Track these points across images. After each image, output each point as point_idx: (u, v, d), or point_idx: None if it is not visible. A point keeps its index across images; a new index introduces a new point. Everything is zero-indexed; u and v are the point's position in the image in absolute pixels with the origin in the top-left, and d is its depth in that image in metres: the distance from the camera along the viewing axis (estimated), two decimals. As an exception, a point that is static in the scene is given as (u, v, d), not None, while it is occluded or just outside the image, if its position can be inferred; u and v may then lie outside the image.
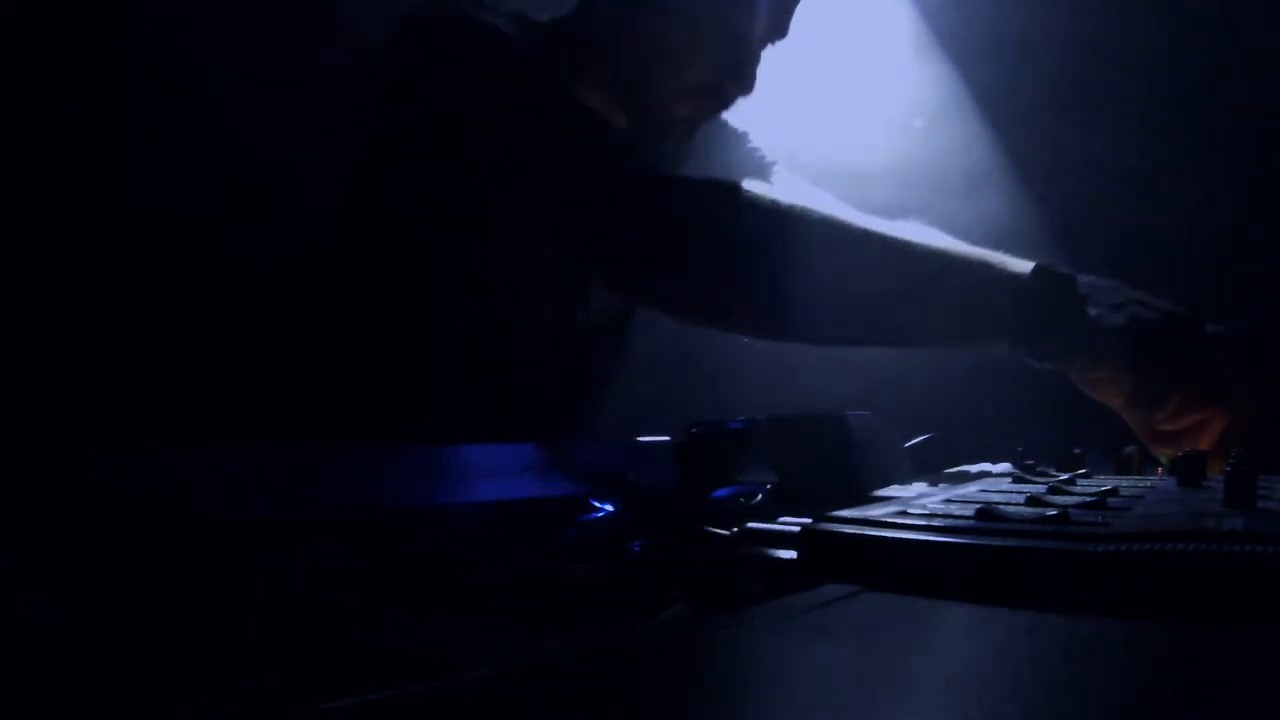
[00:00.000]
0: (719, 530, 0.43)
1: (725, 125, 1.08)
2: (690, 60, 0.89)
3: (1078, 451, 0.62)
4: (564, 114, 0.83)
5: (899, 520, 0.37)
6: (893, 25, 1.44)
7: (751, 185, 0.77)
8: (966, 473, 0.68)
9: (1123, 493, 0.44)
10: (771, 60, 0.94)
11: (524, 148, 0.81)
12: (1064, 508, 0.37)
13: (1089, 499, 0.40)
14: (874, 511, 0.40)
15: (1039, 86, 1.35)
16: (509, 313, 0.96)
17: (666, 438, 0.67)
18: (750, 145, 1.08)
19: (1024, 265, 0.69)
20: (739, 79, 0.91)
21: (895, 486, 0.59)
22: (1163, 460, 0.66)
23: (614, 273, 0.83)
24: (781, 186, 1.00)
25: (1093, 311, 0.66)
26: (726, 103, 0.93)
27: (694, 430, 0.67)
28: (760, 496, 0.58)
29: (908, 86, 1.43)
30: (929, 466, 0.73)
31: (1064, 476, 0.52)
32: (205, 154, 0.96)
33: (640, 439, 0.69)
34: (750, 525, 0.43)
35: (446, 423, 0.89)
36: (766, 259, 0.73)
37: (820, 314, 0.74)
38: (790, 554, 0.38)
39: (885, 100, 1.44)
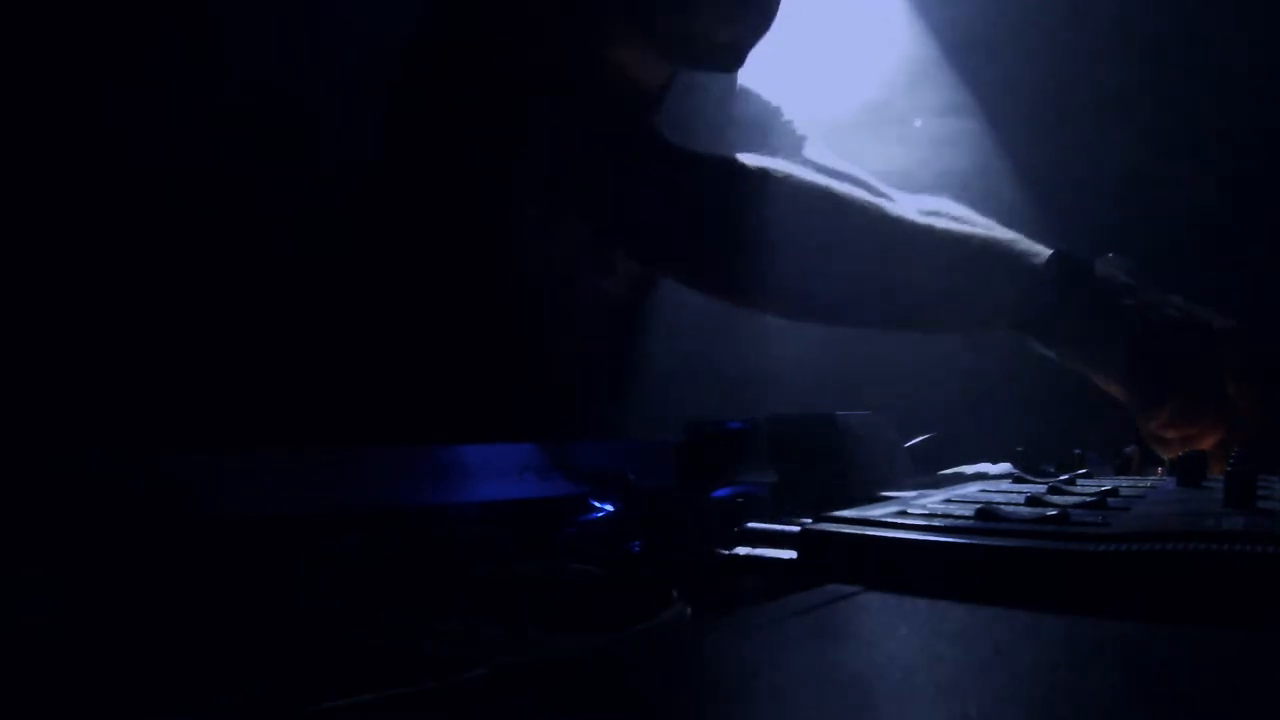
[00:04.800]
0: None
1: (759, 99, 1.07)
2: None
3: (1078, 451, 0.62)
4: (598, 84, 0.82)
5: (899, 520, 0.37)
6: (891, 11, 1.44)
7: (775, 162, 0.77)
8: (966, 473, 0.68)
9: (1123, 493, 0.44)
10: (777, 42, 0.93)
11: (552, 115, 0.81)
12: (1064, 508, 0.37)
13: (1089, 499, 0.40)
14: (874, 511, 0.40)
15: (1039, 80, 1.35)
16: (533, 287, 0.95)
17: (666, 438, 0.67)
18: (785, 119, 1.08)
19: (1043, 251, 0.69)
20: None
21: (895, 486, 0.59)
22: (1163, 460, 0.66)
23: (638, 246, 0.83)
24: (813, 160, 1.00)
25: (1100, 310, 0.66)
26: (766, 8, 0.91)
27: (694, 430, 0.67)
28: (760, 496, 0.58)
29: (907, 73, 1.43)
30: (929, 466, 0.73)
31: (1064, 476, 0.52)
32: (210, 148, 0.96)
33: (640, 439, 0.69)
34: (750, 525, 0.43)
35: (470, 407, 0.89)
36: (786, 238, 0.73)
37: (837, 294, 0.75)
38: (790, 554, 0.38)
39: (883, 85, 1.44)
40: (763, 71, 0.96)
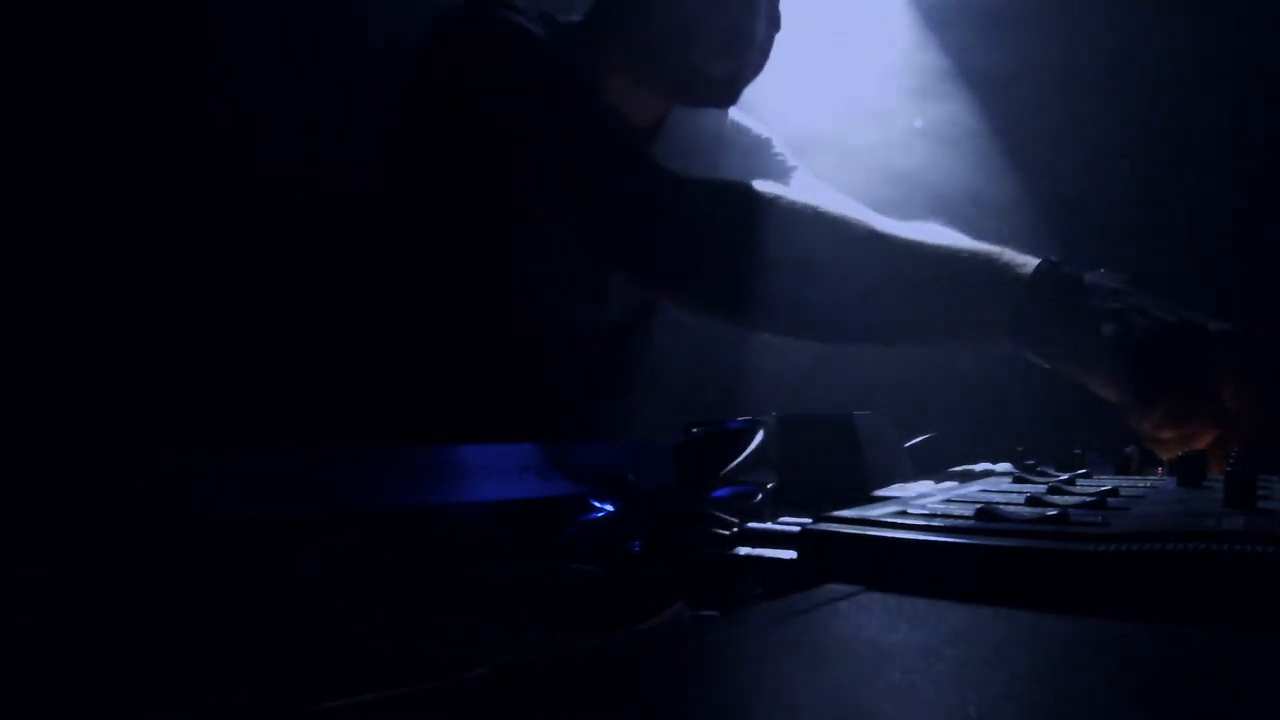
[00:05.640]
0: (722, 530, 0.43)
1: (749, 132, 1.08)
2: (713, 8, 0.89)
3: (1078, 451, 0.62)
4: (590, 114, 0.84)
5: (899, 520, 0.37)
6: (891, 13, 1.44)
7: (766, 185, 0.78)
8: (967, 473, 0.68)
9: (1123, 493, 0.44)
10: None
11: (550, 147, 0.82)
12: (1064, 508, 0.37)
13: (1089, 499, 0.40)
14: (874, 511, 0.40)
15: (1041, 76, 1.35)
16: (531, 309, 0.96)
17: (666, 438, 0.67)
18: (774, 151, 1.09)
19: (1030, 262, 0.69)
20: (767, 15, 0.91)
21: (895, 486, 0.59)
22: (1163, 460, 0.66)
23: (634, 266, 0.84)
24: (801, 190, 1.01)
25: (1089, 317, 0.66)
26: (763, 47, 0.92)
27: (694, 430, 0.67)
28: (760, 496, 0.58)
29: (907, 76, 1.43)
30: (929, 466, 0.73)
31: (1064, 476, 0.52)
32: (210, 149, 0.96)
33: (640, 439, 0.69)
34: (750, 525, 0.43)
35: (466, 422, 0.89)
36: (780, 258, 0.74)
37: (829, 311, 0.76)
38: (790, 554, 0.38)
39: (883, 87, 1.44)
40: (764, 76, 0.97)
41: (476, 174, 0.88)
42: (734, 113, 1.07)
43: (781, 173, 1.07)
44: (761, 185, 0.79)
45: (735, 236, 0.76)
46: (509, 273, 0.94)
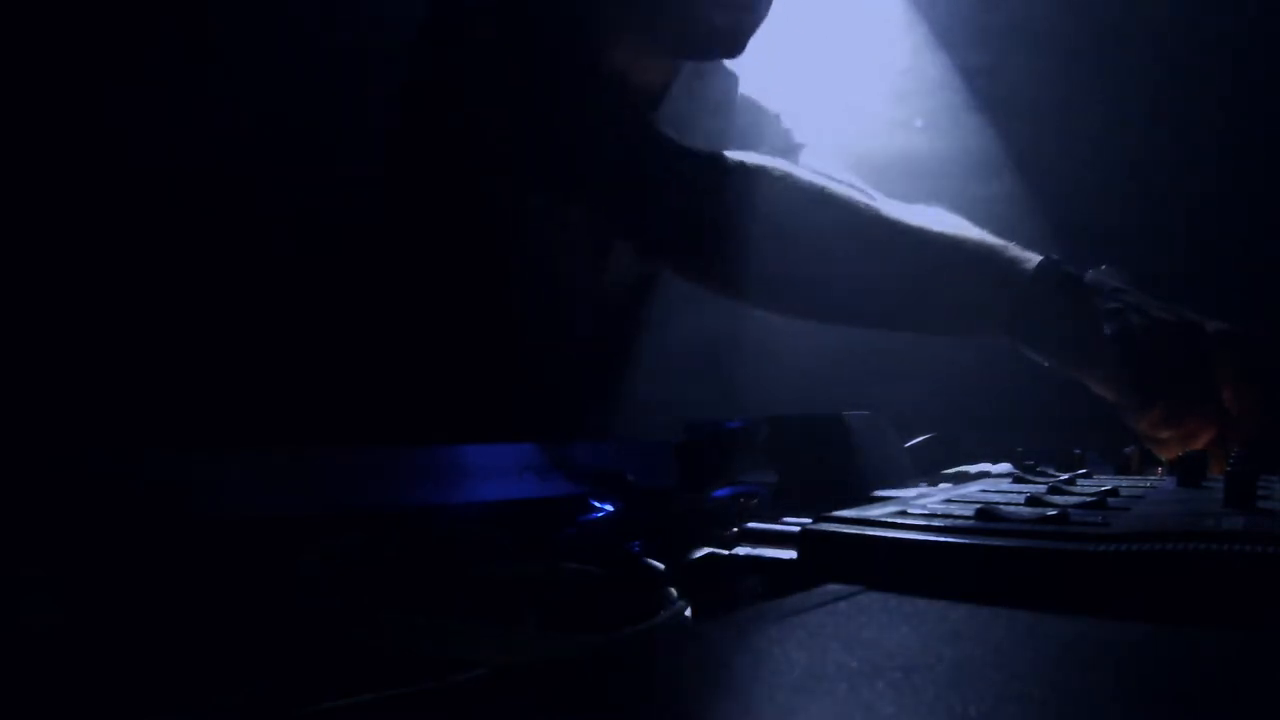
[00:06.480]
0: (721, 530, 0.43)
1: (756, 106, 1.08)
2: None
3: (1078, 451, 0.62)
4: (593, 79, 0.83)
5: (899, 520, 0.37)
6: (891, 13, 1.44)
7: (773, 161, 0.78)
8: (966, 473, 0.68)
9: (1123, 493, 0.44)
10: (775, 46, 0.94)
11: (552, 114, 0.82)
12: (1064, 508, 0.37)
13: (1089, 499, 0.40)
14: (874, 511, 0.40)
15: (1041, 76, 1.35)
16: (532, 278, 0.96)
17: (666, 438, 0.67)
18: (783, 126, 1.09)
19: (1033, 259, 0.69)
20: None
21: (895, 486, 0.59)
22: (1163, 460, 0.66)
23: (633, 233, 0.85)
24: (809, 167, 1.01)
25: (1088, 315, 0.66)
26: None
27: (694, 430, 0.67)
28: (760, 496, 0.58)
29: (908, 76, 1.43)
30: (929, 466, 0.73)
31: (1064, 476, 0.52)
32: (210, 147, 0.96)
33: (640, 439, 0.69)
34: (750, 525, 0.43)
35: (467, 414, 0.89)
36: (782, 234, 0.75)
37: (830, 293, 0.76)
38: (790, 554, 0.38)
39: (883, 88, 1.44)
40: (765, 73, 0.97)
41: (479, 144, 0.88)
42: (742, 86, 1.06)
43: (788, 147, 1.06)
44: (768, 160, 0.79)
45: (734, 209, 0.77)
46: (510, 266, 0.94)
